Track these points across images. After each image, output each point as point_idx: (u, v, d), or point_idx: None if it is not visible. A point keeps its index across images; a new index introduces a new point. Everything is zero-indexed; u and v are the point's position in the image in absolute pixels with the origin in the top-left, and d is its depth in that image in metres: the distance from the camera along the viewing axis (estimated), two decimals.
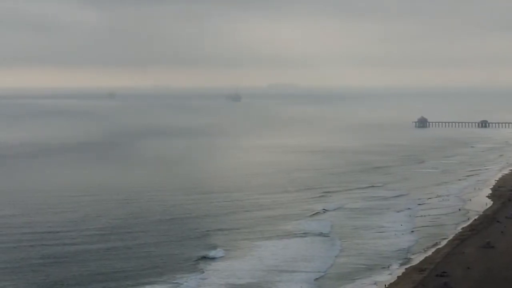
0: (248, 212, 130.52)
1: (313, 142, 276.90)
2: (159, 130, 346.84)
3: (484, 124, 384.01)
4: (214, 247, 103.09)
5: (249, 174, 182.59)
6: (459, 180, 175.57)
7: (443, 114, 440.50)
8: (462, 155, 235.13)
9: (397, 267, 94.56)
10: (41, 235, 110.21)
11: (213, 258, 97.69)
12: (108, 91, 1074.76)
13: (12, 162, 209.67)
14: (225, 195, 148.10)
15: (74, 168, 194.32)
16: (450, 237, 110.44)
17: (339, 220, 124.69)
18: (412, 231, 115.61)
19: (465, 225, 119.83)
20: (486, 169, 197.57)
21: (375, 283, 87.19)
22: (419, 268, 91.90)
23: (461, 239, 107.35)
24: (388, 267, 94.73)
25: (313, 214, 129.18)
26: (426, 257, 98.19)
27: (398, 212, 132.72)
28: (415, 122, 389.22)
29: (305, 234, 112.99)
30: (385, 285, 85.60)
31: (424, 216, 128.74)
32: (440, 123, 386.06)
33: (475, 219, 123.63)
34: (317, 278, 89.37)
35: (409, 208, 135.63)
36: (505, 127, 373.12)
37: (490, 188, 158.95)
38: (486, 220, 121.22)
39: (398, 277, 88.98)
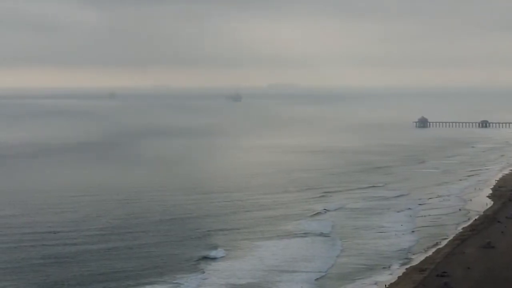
0: (249, 212, 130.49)
1: (313, 142, 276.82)
2: (159, 130, 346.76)
3: (484, 124, 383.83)
4: (215, 247, 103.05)
5: (249, 174, 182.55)
6: (460, 180, 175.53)
7: (443, 114, 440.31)
8: (463, 155, 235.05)
9: (398, 267, 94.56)
10: (42, 235, 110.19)
11: (213, 258, 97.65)
12: (109, 91, 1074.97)
13: (12, 162, 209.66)
14: (225, 195, 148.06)
15: (74, 168, 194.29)
16: (451, 237, 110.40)
17: (340, 220, 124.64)
18: (413, 231, 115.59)
19: (465, 225, 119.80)
20: (487, 169, 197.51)
21: (375, 283, 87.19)
22: (419, 268, 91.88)
23: (462, 239, 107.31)
24: (389, 267, 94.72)
25: (314, 214, 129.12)
26: (426, 257, 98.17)
27: (398, 212, 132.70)
28: (416, 122, 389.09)
29: (305, 234, 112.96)
30: (385, 285, 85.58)
31: (425, 216, 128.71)
32: (440, 123, 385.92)
33: (475, 219, 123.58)
34: (317, 278, 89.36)
35: (409, 208, 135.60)
36: (506, 127, 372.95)
37: (491, 188, 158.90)
38: (487, 220, 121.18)
39: (399, 277, 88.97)
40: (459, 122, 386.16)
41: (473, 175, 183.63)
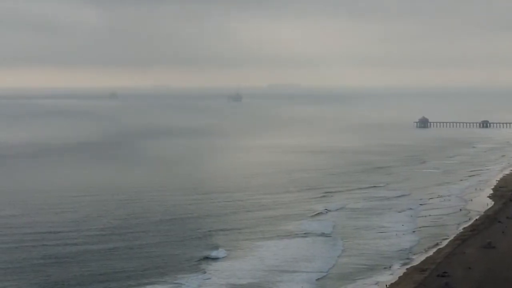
0: (250, 212, 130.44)
1: (314, 142, 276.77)
2: (159, 130, 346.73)
3: (485, 124, 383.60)
4: (216, 247, 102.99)
5: (250, 174, 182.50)
6: (461, 180, 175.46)
7: (443, 114, 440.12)
8: (464, 155, 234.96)
9: (399, 267, 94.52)
10: (42, 235, 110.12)
11: (214, 258, 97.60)
12: (110, 91, 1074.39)
13: (12, 162, 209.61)
14: (226, 195, 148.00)
15: (74, 168, 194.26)
16: (451, 237, 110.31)
17: (341, 220, 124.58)
18: (414, 231, 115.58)
19: (466, 225, 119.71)
20: (487, 169, 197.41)
21: (376, 283, 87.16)
22: (420, 268, 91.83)
23: (462, 239, 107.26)
24: (390, 267, 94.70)
25: (315, 214, 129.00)
26: (427, 257, 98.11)
27: (399, 212, 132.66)
28: (416, 122, 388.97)
29: (306, 234, 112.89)
30: (386, 285, 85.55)
31: (426, 216, 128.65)
32: (441, 123, 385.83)
33: (476, 219, 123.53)
34: (318, 278, 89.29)
35: (410, 209, 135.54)
36: (506, 127, 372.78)
37: (491, 188, 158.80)
38: (487, 220, 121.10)
39: (399, 277, 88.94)
40: (459, 122, 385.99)
41: (474, 175, 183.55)
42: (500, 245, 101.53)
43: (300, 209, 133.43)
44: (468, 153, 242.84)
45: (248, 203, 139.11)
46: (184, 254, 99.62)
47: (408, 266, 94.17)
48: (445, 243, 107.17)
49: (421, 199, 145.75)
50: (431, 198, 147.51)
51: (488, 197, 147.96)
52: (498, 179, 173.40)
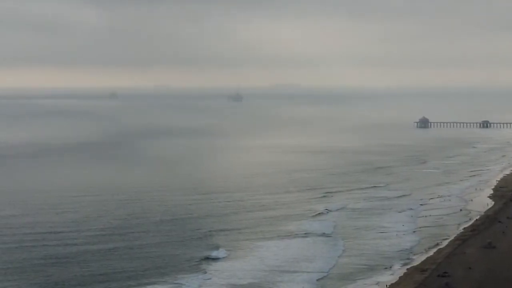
0: (250, 213, 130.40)
1: (314, 142, 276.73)
2: (159, 130, 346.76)
3: (485, 124, 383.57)
4: (216, 248, 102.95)
5: (250, 174, 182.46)
6: (461, 180, 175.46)
7: (443, 114, 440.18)
8: (464, 156, 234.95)
9: (399, 267, 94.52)
10: (42, 235, 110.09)
11: (215, 259, 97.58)
12: (110, 91, 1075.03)
13: (12, 162, 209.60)
14: (226, 195, 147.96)
15: (74, 168, 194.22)
16: (452, 238, 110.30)
17: (342, 220, 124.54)
18: (414, 232, 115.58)
19: (466, 225, 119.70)
20: (488, 169, 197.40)
21: (377, 283, 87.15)
22: (420, 268, 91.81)
23: (463, 239, 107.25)
24: (390, 267, 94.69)
25: (316, 215, 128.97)
26: (427, 258, 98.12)
27: (400, 212, 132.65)
28: (417, 122, 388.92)
29: (307, 235, 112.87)
30: (386, 285, 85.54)
31: (426, 216, 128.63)
32: (441, 123, 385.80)
33: (476, 220, 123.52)
34: (319, 279, 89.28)
35: (411, 209, 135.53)
36: (507, 127, 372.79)
37: (492, 189, 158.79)
38: (488, 220, 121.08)
39: (400, 277, 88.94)
40: (460, 122, 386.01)
41: (474, 176, 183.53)
42: (500, 245, 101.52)
43: (301, 209, 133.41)
44: (469, 153, 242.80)
45: (248, 203, 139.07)
46: (184, 254, 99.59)
47: (408, 266, 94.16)
48: (445, 243, 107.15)
49: (421, 199, 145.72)
50: (431, 198, 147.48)
51: (489, 197, 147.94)
52: (499, 179, 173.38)
